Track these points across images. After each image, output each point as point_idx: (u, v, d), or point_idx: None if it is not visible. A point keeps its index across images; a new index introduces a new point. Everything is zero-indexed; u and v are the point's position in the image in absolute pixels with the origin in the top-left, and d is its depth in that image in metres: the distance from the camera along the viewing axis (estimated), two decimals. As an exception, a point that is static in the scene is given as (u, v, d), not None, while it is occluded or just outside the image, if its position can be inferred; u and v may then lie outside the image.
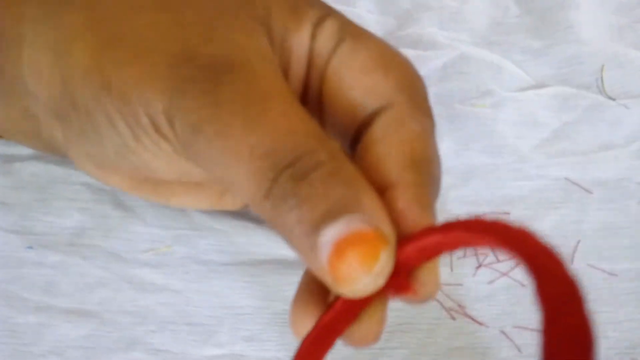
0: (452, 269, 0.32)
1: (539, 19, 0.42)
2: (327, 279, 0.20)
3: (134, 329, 0.31)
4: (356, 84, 0.26)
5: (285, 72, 0.27)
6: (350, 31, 0.27)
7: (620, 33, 0.43)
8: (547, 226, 0.34)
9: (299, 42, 0.27)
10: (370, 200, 0.21)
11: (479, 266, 0.32)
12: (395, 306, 0.32)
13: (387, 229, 0.21)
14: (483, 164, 0.36)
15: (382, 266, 0.20)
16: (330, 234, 0.20)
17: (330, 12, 0.27)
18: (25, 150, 0.36)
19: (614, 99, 0.39)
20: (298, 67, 0.27)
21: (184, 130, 0.24)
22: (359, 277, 0.20)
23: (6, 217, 0.35)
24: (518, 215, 0.34)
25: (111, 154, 0.27)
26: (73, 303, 0.32)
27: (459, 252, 0.33)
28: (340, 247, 0.20)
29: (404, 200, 0.22)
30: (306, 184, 0.21)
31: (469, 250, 0.33)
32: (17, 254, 0.34)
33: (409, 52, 0.40)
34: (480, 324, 0.31)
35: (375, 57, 0.26)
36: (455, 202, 0.35)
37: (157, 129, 0.25)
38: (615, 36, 0.43)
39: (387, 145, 0.24)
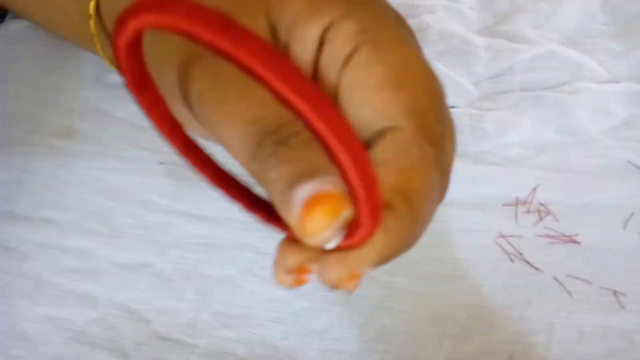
0: (517, 222, 0.37)
1: (623, 27, 0.46)
2: (297, 230, 0.22)
3: (243, 233, 0.38)
4: (365, 103, 0.26)
5: None
6: (368, 38, 0.26)
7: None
8: (606, 196, 0.38)
9: (303, 49, 0.27)
10: None
11: (540, 220, 0.37)
12: (462, 246, 0.37)
13: None
14: (557, 140, 0.40)
15: (341, 223, 0.22)
16: (303, 192, 0.21)
17: (350, 12, 0.27)
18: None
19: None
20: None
21: (192, 98, 0.28)
22: (322, 230, 0.22)
23: (140, 138, 0.41)
24: (583, 183, 0.39)
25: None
26: (194, 209, 0.39)
27: (523, 207, 0.38)
28: (310, 204, 0.21)
29: None
30: (286, 148, 0.24)
31: (533, 207, 0.38)
32: (150, 166, 0.40)
33: (502, 43, 0.45)
34: (536, 268, 0.36)
35: (390, 73, 0.26)
36: (527, 169, 0.39)
37: (176, 96, 0.29)
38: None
39: (385, 171, 0.24)
